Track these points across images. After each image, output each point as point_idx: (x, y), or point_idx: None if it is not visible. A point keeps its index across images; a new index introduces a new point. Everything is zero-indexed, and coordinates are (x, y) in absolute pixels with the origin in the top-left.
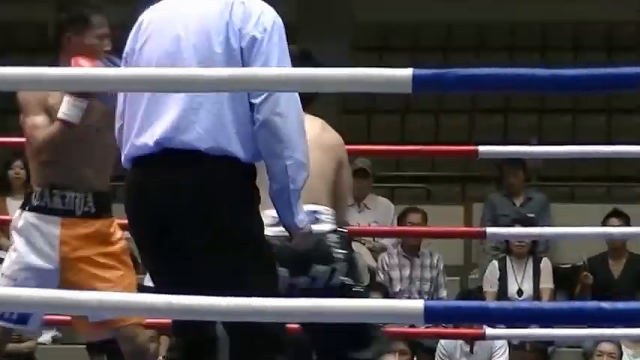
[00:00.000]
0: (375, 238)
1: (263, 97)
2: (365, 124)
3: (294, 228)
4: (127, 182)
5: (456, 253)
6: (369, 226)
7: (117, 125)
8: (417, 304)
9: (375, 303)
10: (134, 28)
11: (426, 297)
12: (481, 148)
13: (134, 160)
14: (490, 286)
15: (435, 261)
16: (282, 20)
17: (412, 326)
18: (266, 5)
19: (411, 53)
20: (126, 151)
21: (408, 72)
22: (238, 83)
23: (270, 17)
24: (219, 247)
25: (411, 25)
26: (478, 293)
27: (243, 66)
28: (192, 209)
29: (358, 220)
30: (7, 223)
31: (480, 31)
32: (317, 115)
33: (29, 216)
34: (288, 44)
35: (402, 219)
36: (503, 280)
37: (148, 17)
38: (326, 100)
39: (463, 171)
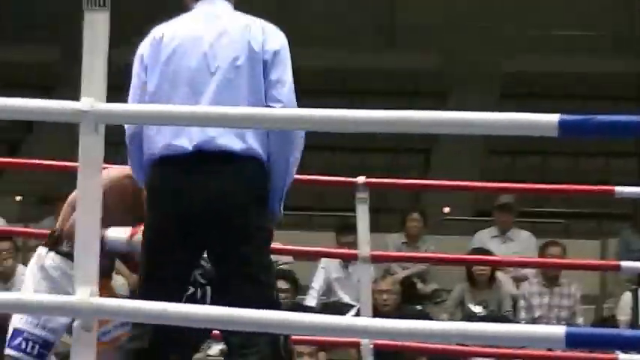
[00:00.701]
0: (517, 268)
1: (280, 105)
2: (510, 163)
3: (278, 215)
4: (158, 180)
5: (592, 284)
6: (512, 256)
7: (148, 132)
8: (559, 329)
9: (519, 328)
10: (150, 40)
11: (563, 323)
12: (617, 188)
13: (167, 160)
14: (624, 314)
15: (573, 290)
16: (428, 68)
17: (549, 350)
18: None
19: (553, 100)
20: (156, 151)
21: (555, 117)
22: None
23: (282, 35)
24: (252, 245)
25: (554, 75)
26: (612, 321)
27: (264, 76)
28: (226, 208)
29: (502, 250)
30: None
31: (614, 82)
32: (466, 156)
33: (57, 258)
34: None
35: (542, 251)
36: (635, 309)
37: (168, 32)
38: (475, 141)
39: (599, 208)
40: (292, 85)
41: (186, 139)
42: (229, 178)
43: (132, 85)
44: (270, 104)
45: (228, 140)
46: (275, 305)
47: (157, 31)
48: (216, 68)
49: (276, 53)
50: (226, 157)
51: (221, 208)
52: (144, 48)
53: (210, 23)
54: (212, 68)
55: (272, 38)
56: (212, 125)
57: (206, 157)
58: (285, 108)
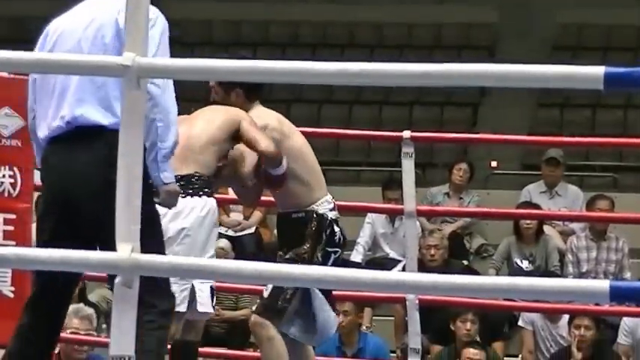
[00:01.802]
0: (565, 222)
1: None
2: (558, 117)
3: (160, 184)
4: (43, 159)
5: None
6: (560, 211)
7: (29, 116)
8: (603, 284)
9: (564, 283)
10: (42, 37)
11: (611, 278)
12: None
13: (49, 140)
14: None
15: (621, 245)
16: (483, 22)
17: (597, 304)
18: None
19: (603, 53)
20: (42, 134)
21: (600, 70)
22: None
23: (154, 11)
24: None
25: (604, 26)
26: None
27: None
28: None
29: (549, 205)
30: (228, 201)
31: None
32: (514, 109)
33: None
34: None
35: (590, 204)
36: None
37: (53, 27)
38: (523, 94)
39: None
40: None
41: (60, 118)
42: (88, 152)
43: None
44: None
45: (92, 114)
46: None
47: (47, 27)
48: (89, 51)
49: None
50: (94, 132)
51: (75, 184)
52: (38, 45)
53: (85, 12)
54: (85, 52)
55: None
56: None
57: (75, 134)
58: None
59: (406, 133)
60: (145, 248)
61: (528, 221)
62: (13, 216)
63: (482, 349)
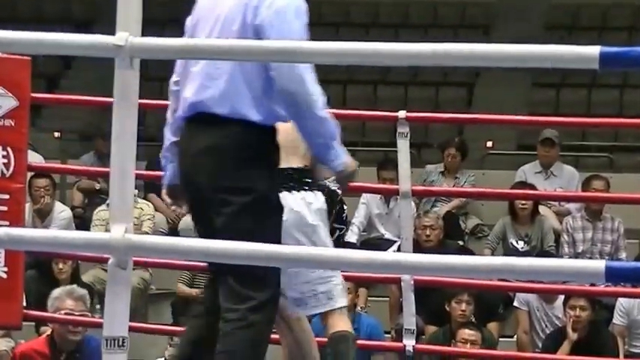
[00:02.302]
0: (561, 203)
1: (275, 72)
2: (554, 97)
3: (336, 172)
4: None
5: (636, 218)
6: (555, 191)
7: (174, 88)
8: (599, 264)
9: (559, 263)
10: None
11: (606, 258)
12: None
13: (179, 118)
14: None
15: (616, 225)
16: (479, 1)
17: (593, 285)
18: None
19: (599, 32)
20: (177, 114)
21: (595, 50)
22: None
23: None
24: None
25: (600, 6)
26: None
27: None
28: (209, 168)
29: (545, 185)
30: None
31: None
32: (510, 89)
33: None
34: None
35: (586, 185)
36: None
37: (199, 2)
38: (519, 74)
39: None
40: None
41: (186, 102)
42: (208, 140)
43: None
44: (270, 72)
45: (214, 104)
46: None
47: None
48: (218, 36)
49: (264, 20)
50: (211, 120)
51: (197, 167)
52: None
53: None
54: (218, 35)
55: (266, 5)
56: (234, 58)
57: (198, 120)
58: (280, 73)
59: (401, 113)
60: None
61: (524, 202)
62: (7, 196)
63: (477, 330)
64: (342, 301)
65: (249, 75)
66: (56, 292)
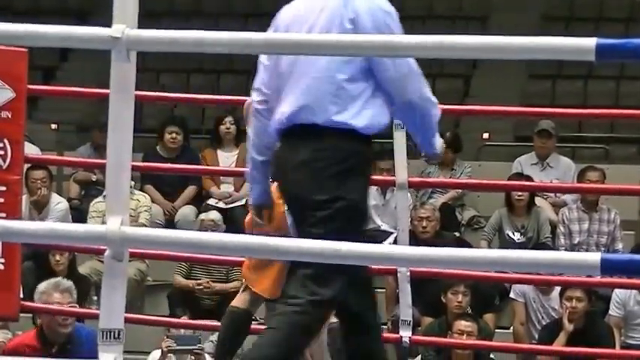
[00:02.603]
0: (557, 194)
1: (388, 72)
2: (550, 88)
3: (433, 156)
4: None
5: (632, 209)
6: (551, 182)
7: (259, 107)
8: (595, 256)
9: (555, 255)
10: (273, 22)
11: (602, 249)
12: None
13: (276, 132)
14: None
15: (613, 216)
16: None
17: (589, 276)
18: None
19: (596, 24)
20: (273, 124)
21: (591, 41)
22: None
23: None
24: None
25: None
26: None
27: None
28: (307, 182)
29: (541, 177)
30: (219, 173)
31: None
32: (506, 80)
33: None
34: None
35: (581, 176)
36: None
37: (282, 14)
38: (515, 66)
39: None
40: None
41: (281, 113)
42: (306, 151)
43: (260, 66)
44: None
45: (310, 114)
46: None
47: (279, 13)
48: None
49: (356, 21)
50: (308, 130)
51: (295, 180)
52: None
53: (314, 2)
54: None
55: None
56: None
57: (295, 131)
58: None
59: None
60: None
61: (520, 193)
62: (4, 188)
63: (473, 321)
64: None
65: (347, 83)
66: (42, 286)
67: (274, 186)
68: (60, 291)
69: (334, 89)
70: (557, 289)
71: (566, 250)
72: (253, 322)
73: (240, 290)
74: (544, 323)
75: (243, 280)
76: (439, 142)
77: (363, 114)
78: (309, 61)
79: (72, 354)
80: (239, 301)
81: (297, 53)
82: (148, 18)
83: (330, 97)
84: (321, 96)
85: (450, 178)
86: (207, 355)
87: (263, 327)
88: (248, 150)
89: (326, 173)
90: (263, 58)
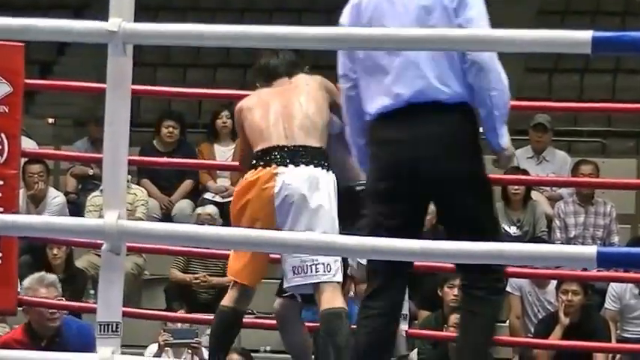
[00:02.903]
0: (553, 188)
1: (472, 63)
2: (546, 82)
3: (498, 149)
4: (377, 135)
5: (628, 203)
6: (547, 176)
7: (350, 93)
8: (591, 249)
9: (551, 248)
10: (349, 9)
11: (598, 242)
12: None
13: (384, 116)
14: None
15: (609, 209)
16: None
17: (585, 269)
18: None
19: (592, 17)
20: (373, 110)
21: (588, 34)
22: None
23: None
24: (471, 191)
25: None
26: None
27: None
28: (441, 157)
29: (537, 171)
30: (215, 167)
31: None
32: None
33: None
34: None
35: (575, 170)
36: None
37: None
38: (511, 59)
39: (637, 126)
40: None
41: (395, 95)
42: (436, 126)
43: (339, 53)
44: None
45: (435, 91)
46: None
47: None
48: (410, 25)
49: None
50: (435, 107)
51: (430, 156)
52: (344, 17)
53: None
54: (406, 24)
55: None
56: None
57: (416, 109)
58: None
59: None
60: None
61: (516, 187)
62: (1, 182)
63: None
64: (339, 276)
65: (454, 58)
66: (26, 282)
67: (252, 175)
68: (45, 286)
69: (449, 65)
70: (554, 282)
71: (562, 243)
72: (250, 316)
73: (229, 288)
74: (540, 317)
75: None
76: (507, 137)
77: (467, 86)
78: None
79: (61, 347)
80: (226, 300)
81: (292, 46)
82: (144, 12)
83: (449, 73)
84: (440, 73)
85: None
86: (203, 349)
87: (260, 320)
88: (347, 135)
89: (458, 148)
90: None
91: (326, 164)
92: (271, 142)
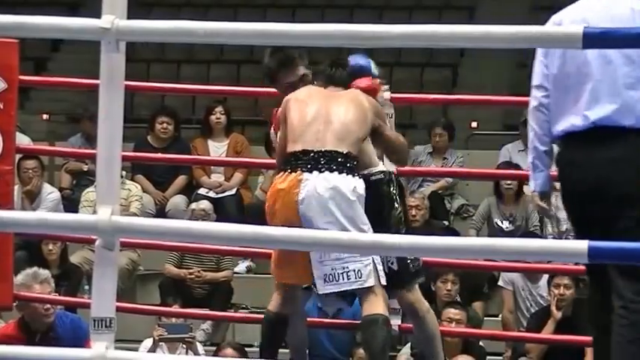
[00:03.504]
0: None
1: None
2: None
3: None
4: (563, 153)
5: None
6: None
7: (545, 101)
8: (582, 244)
9: (542, 243)
10: (550, 25)
11: None
12: None
13: (570, 135)
14: None
15: None
16: None
17: (577, 264)
18: None
19: None
20: (560, 127)
21: (579, 29)
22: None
23: None
24: None
25: None
26: None
27: None
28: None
29: (525, 165)
30: (209, 163)
31: None
32: (494, 70)
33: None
34: (464, 5)
35: None
36: None
37: (565, 17)
38: (504, 55)
39: None
40: None
41: (584, 117)
42: (621, 151)
43: (534, 69)
44: None
45: (619, 116)
46: None
47: (556, 17)
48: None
49: None
50: (616, 132)
51: (606, 179)
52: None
53: (602, 8)
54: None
55: None
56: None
57: (599, 133)
58: None
59: (386, 94)
60: None
61: (509, 182)
62: None
63: (462, 309)
64: (370, 281)
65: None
66: (19, 279)
67: (282, 179)
68: (39, 282)
69: (635, 94)
70: (546, 277)
71: (554, 238)
72: (244, 311)
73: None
74: (532, 311)
75: (275, 282)
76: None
77: None
78: (607, 65)
79: (55, 341)
80: (271, 305)
81: (286, 42)
82: (138, 8)
83: (634, 102)
84: (628, 100)
85: (442, 167)
86: (198, 344)
87: (254, 315)
88: (529, 140)
89: (635, 172)
90: (540, 55)
91: (352, 170)
92: (302, 144)
